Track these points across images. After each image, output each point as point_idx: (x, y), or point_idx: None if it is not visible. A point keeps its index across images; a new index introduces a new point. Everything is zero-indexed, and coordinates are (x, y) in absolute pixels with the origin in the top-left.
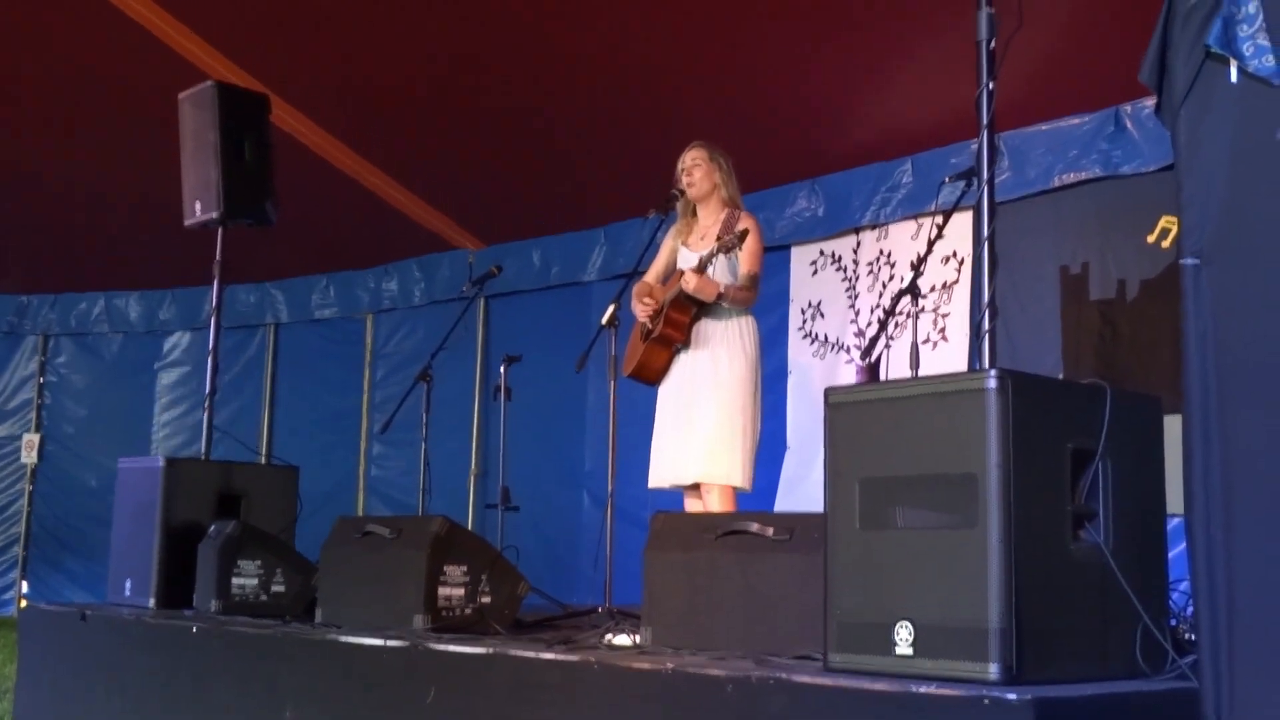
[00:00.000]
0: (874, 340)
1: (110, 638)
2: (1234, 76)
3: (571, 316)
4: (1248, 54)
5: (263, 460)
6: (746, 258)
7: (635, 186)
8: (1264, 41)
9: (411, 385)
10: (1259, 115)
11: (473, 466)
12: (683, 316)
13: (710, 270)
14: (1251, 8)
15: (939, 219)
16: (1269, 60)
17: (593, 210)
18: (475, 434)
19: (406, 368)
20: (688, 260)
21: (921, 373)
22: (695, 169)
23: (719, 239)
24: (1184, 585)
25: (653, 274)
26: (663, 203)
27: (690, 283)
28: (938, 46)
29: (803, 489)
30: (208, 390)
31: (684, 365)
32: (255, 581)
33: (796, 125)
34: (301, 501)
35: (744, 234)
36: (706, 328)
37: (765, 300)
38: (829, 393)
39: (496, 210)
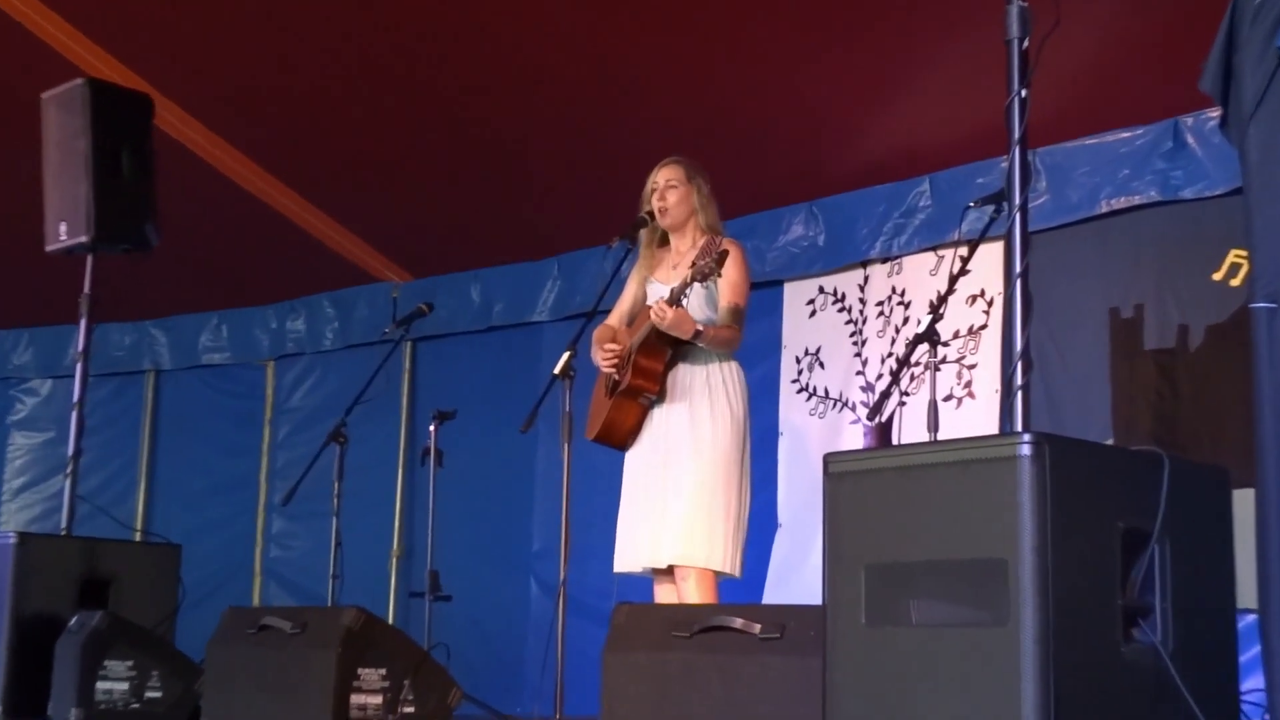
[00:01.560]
0: (884, 396)
1: None
2: None
3: (518, 365)
4: None
5: (137, 537)
6: (728, 288)
7: (595, 209)
8: None
9: (321, 447)
10: None
11: (395, 546)
12: (654, 363)
13: (685, 304)
14: None
15: (963, 251)
16: None
17: (544, 237)
18: (399, 507)
19: (315, 425)
20: (658, 295)
21: (942, 436)
22: (671, 191)
23: (693, 264)
24: (1258, 695)
25: (616, 317)
26: (629, 229)
27: (664, 315)
28: (961, 47)
29: (797, 576)
30: (70, 451)
31: (657, 424)
32: (126, 686)
33: (791, 137)
34: (184, 588)
35: (724, 255)
36: (684, 376)
37: (753, 346)
38: (829, 459)
39: (427, 236)
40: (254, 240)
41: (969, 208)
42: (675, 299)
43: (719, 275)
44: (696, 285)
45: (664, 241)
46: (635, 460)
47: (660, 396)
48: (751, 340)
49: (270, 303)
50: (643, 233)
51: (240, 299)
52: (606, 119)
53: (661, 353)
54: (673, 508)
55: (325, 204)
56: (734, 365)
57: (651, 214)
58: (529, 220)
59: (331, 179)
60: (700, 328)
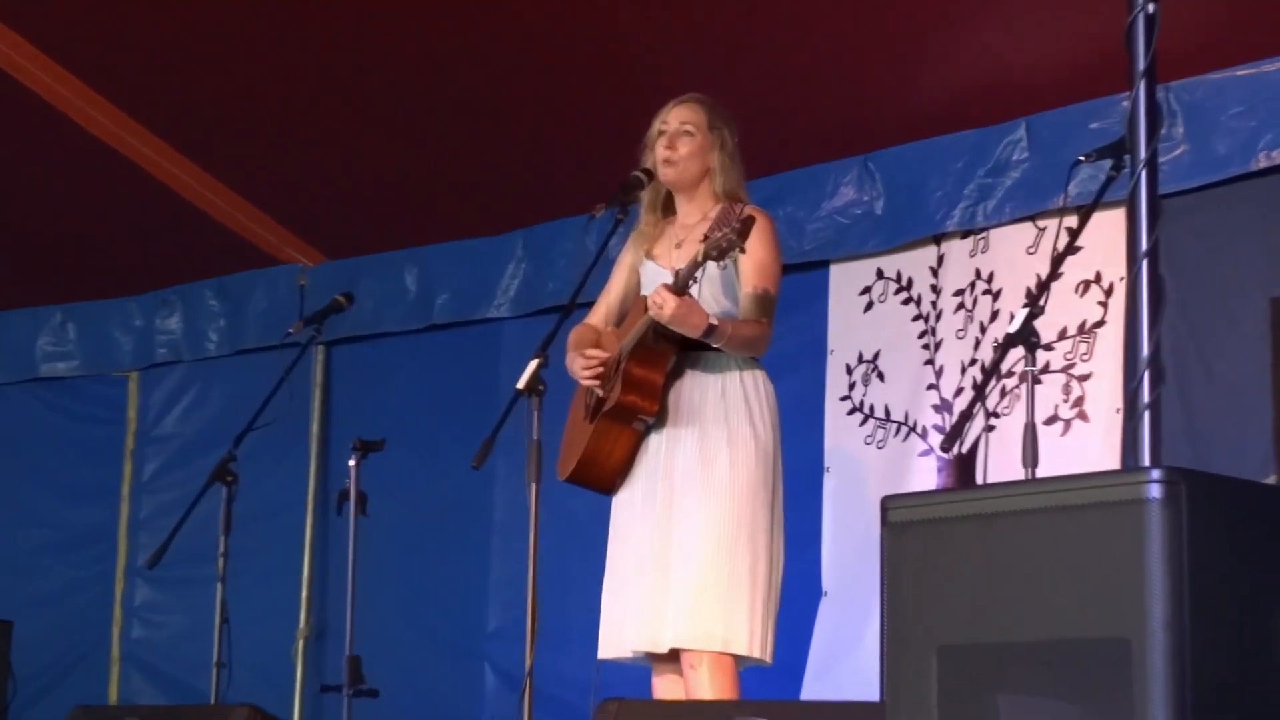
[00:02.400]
0: (965, 418)
1: None
2: None
3: (468, 377)
4: None
5: None
6: (753, 269)
7: (574, 166)
8: None
9: (202, 489)
10: None
11: (302, 624)
12: (652, 373)
13: (695, 291)
14: None
15: (1071, 221)
16: None
17: (504, 205)
18: (307, 570)
19: (194, 459)
20: (658, 281)
21: (1042, 472)
22: (684, 139)
23: (706, 237)
24: None
25: (601, 312)
26: (619, 191)
27: (666, 306)
28: None
29: (848, 662)
30: None
31: (655, 457)
32: None
33: (837, 67)
34: (16, 679)
35: (748, 222)
36: (692, 391)
37: (787, 350)
38: (889, 505)
39: (345, 203)
40: (110, 208)
41: (1079, 162)
42: (682, 284)
43: (741, 251)
44: (711, 266)
45: (668, 210)
46: (626, 506)
47: (660, 419)
48: (785, 341)
49: (133, 294)
50: (644, 193)
51: (92, 289)
52: (585, 42)
53: (661, 358)
54: (678, 571)
55: (206, 160)
56: (760, 375)
57: (650, 171)
58: (483, 181)
59: (214, 127)
60: (715, 322)
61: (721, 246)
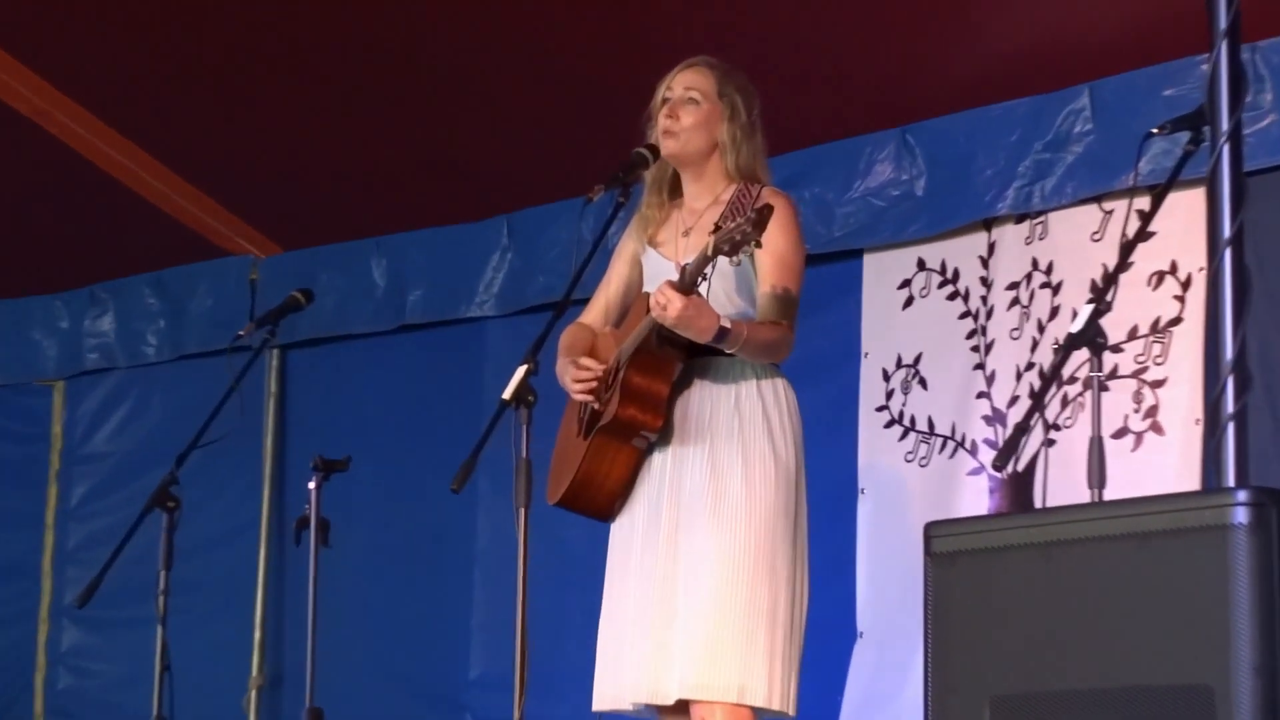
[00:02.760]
0: (1021, 431)
1: None
2: None
3: (446, 385)
4: None
5: None
6: (773, 263)
7: (566, 144)
8: None
9: (139, 516)
10: None
11: (255, 671)
12: (656, 382)
13: (705, 288)
14: None
15: (1143, 202)
16: None
17: (487, 186)
18: (260, 609)
19: (130, 481)
20: (662, 275)
21: (1110, 493)
22: (688, 107)
23: (717, 227)
24: None
25: (597, 309)
26: (619, 170)
27: (670, 306)
28: None
29: (886, 713)
30: None
31: (659, 479)
32: None
33: (873, 29)
34: None
35: (766, 211)
36: (701, 403)
37: (813, 353)
38: (934, 532)
39: (302, 185)
40: (31, 191)
41: (1151, 135)
42: (689, 281)
43: (757, 245)
44: (723, 260)
45: (675, 191)
46: (626, 535)
47: (665, 435)
48: (811, 343)
49: (57, 290)
50: (648, 173)
51: (8, 285)
52: (584, 19)
53: (667, 365)
54: (686, 611)
55: (142, 136)
56: (780, 384)
57: (655, 147)
58: (461, 159)
59: (149, 98)
60: (727, 324)
61: (734, 240)
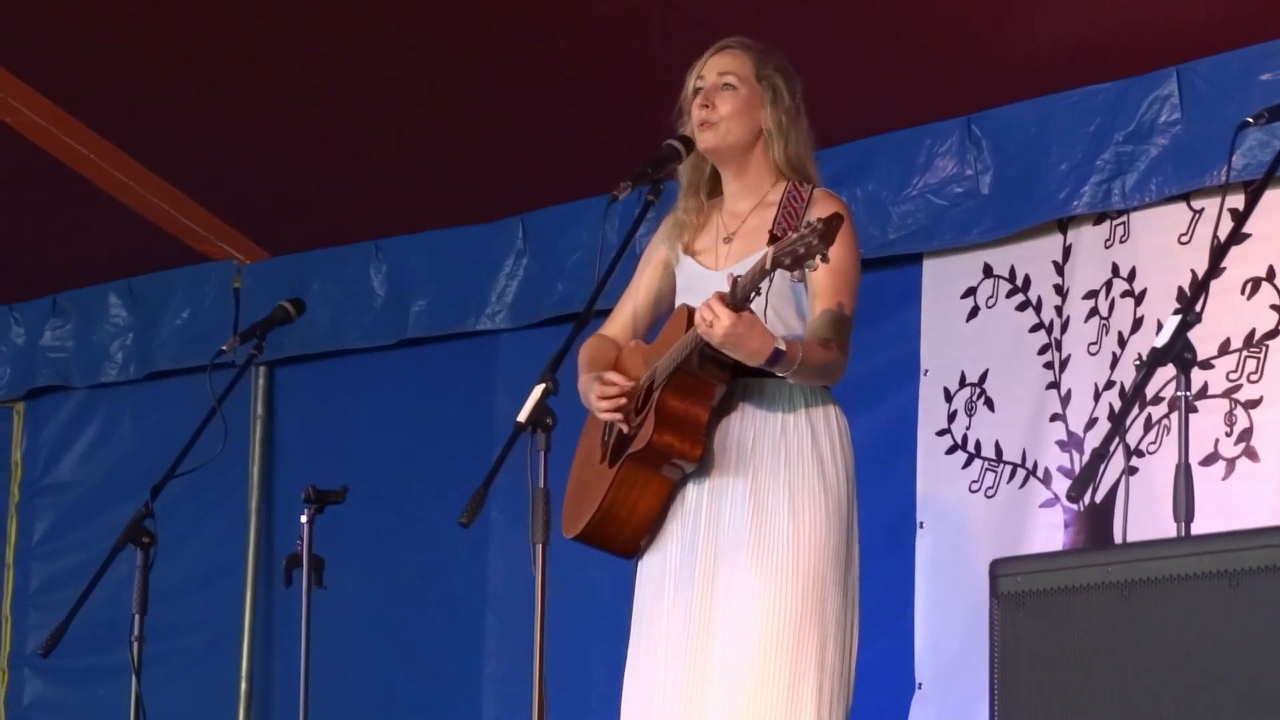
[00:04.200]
0: (1099, 458)
1: None
2: None
3: (453, 407)
4: None
5: None
6: (831, 278)
7: (590, 135)
8: None
9: (110, 554)
10: None
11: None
12: (695, 406)
13: (759, 304)
14: None
15: (1236, 200)
16: None
17: (499, 183)
18: (246, 656)
19: (99, 514)
20: (701, 285)
21: (1200, 527)
22: (725, 94)
23: (774, 236)
24: None
25: (622, 321)
26: (648, 165)
27: (718, 324)
28: None
29: None
30: None
31: (695, 512)
32: None
33: (934, 8)
34: None
35: (835, 222)
36: (742, 427)
37: (867, 372)
38: (1000, 570)
39: (292, 183)
40: None
41: (1246, 125)
42: (742, 297)
43: (824, 259)
44: (781, 275)
45: (714, 190)
46: (657, 576)
47: (703, 465)
48: (864, 361)
49: (18, 300)
50: (679, 173)
51: None
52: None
53: (708, 388)
54: (723, 661)
55: (112, 130)
56: (833, 410)
57: (688, 139)
58: (471, 153)
59: (122, 91)
60: (783, 346)
61: (797, 253)
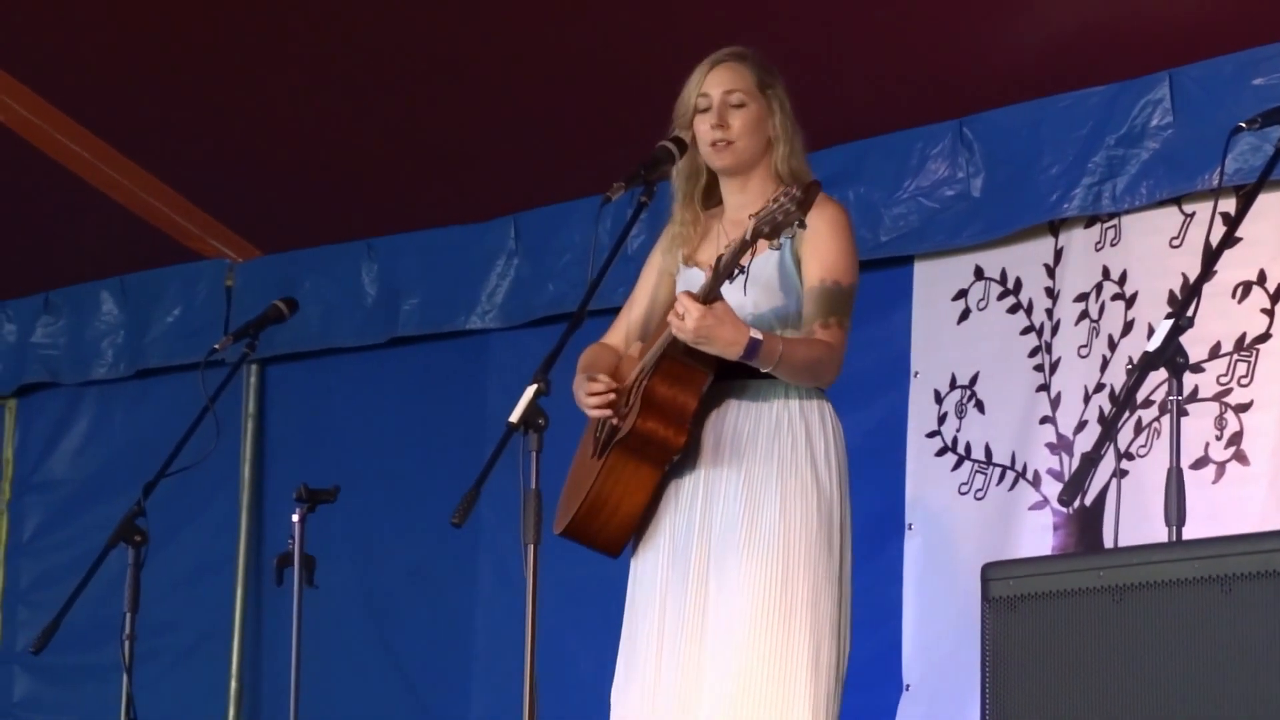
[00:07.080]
0: (1090, 461)
1: None
2: None
3: (444, 407)
4: None
5: None
6: (823, 255)
7: (582, 135)
8: None
9: (102, 552)
10: None
11: (231, 716)
12: (683, 394)
13: (740, 286)
14: None
15: (1228, 204)
16: None
17: (492, 183)
18: (236, 654)
19: (88, 511)
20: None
21: (1191, 531)
22: (738, 111)
23: (754, 215)
24: None
25: (621, 331)
26: (642, 166)
27: (689, 317)
28: None
29: None
30: None
31: (686, 508)
32: None
33: (924, 9)
34: None
35: (811, 189)
36: (735, 422)
37: (858, 372)
38: (991, 574)
39: (284, 181)
40: None
41: (1239, 129)
42: (724, 270)
43: (801, 226)
44: (761, 265)
45: (710, 196)
46: (648, 572)
47: (692, 458)
48: (855, 361)
49: (10, 297)
50: (675, 169)
51: None
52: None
53: (697, 376)
54: (715, 657)
55: (104, 127)
56: (826, 406)
57: (682, 140)
58: (462, 152)
59: (112, 84)
60: (758, 335)
61: (775, 220)
